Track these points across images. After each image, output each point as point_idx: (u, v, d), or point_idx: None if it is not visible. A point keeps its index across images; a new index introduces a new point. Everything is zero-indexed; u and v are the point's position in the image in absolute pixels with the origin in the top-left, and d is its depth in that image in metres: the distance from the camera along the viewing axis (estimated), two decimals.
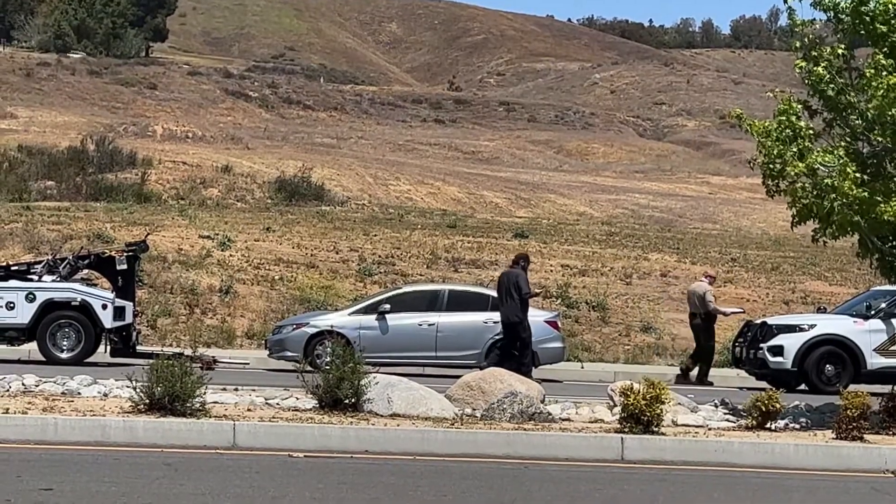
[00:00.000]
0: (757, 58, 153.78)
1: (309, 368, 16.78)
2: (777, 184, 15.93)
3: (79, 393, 15.55)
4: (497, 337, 24.08)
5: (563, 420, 15.41)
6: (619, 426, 14.51)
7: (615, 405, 15.38)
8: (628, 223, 49.25)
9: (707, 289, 25.98)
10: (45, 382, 16.06)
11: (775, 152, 15.66)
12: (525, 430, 14.38)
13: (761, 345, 24.62)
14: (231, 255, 34.00)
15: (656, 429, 14.26)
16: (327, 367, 15.29)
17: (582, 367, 27.12)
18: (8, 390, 15.59)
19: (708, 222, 52.35)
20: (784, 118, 15.78)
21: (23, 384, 15.94)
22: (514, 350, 22.52)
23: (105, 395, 15.48)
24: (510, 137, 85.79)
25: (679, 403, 16.14)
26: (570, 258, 37.47)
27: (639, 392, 14.30)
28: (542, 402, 15.90)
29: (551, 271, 35.54)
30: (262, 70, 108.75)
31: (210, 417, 13.92)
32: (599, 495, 11.61)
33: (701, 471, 13.38)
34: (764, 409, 15.18)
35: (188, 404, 13.89)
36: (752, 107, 71.56)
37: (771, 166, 15.77)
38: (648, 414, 14.17)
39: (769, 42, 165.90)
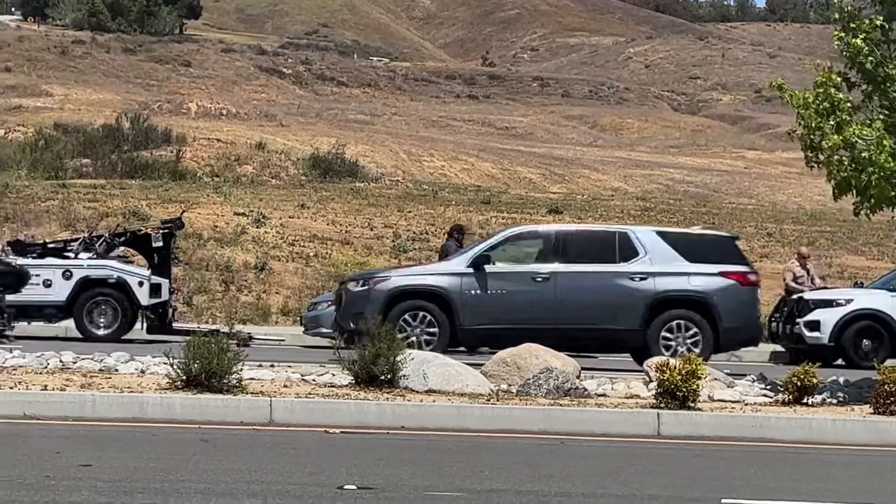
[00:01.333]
0: (792, 31, 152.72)
1: (344, 345, 16.83)
2: (816, 155, 15.85)
3: (116, 370, 15.63)
4: None
5: (599, 396, 15.40)
6: (655, 402, 14.49)
7: (651, 381, 15.36)
8: (663, 198, 49.09)
9: (786, 266, 26.78)
10: (82, 359, 16.14)
11: (813, 124, 15.57)
12: (561, 405, 14.37)
13: (798, 320, 24.55)
14: (266, 232, 34.10)
15: (692, 404, 14.22)
16: (363, 344, 15.31)
17: None
18: (46, 367, 15.69)
19: (743, 197, 52.13)
20: (822, 90, 15.68)
21: (61, 361, 16.03)
22: None
23: (142, 371, 15.56)
24: (544, 113, 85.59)
25: (715, 379, 16.11)
26: None
27: (675, 368, 14.28)
28: (578, 377, 15.89)
29: None
30: (296, 47, 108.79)
31: (247, 394, 13.97)
32: (636, 470, 11.59)
33: (738, 446, 13.34)
34: (801, 384, 15.12)
35: (225, 381, 13.93)
36: (787, 80, 70.68)
37: (810, 137, 15.69)
38: (684, 389, 14.14)
39: (805, 15, 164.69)
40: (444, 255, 23.57)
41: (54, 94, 64.83)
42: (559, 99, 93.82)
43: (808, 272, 26.64)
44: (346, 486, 9.82)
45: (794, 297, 25.51)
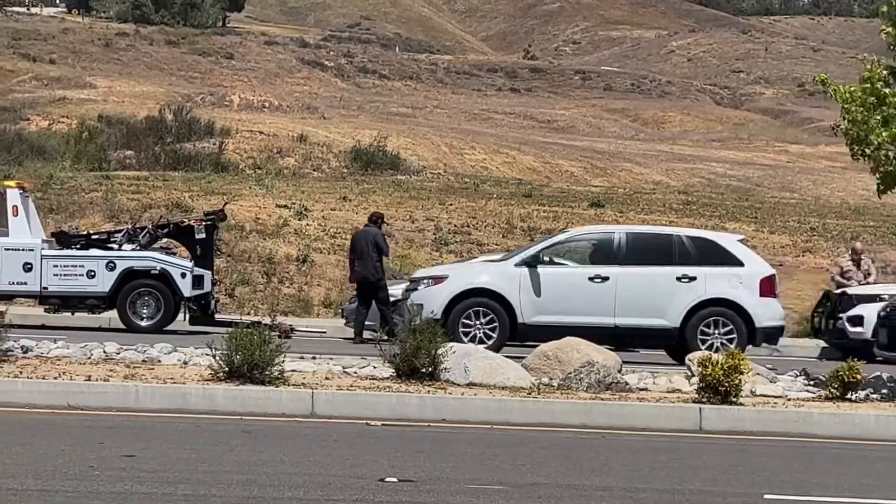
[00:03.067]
0: (836, 25, 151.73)
1: (386, 337, 16.86)
2: (863, 149, 15.77)
3: (159, 361, 15.71)
4: None
5: (641, 390, 15.36)
6: (697, 396, 14.44)
7: (693, 375, 15.31)
8: (705, 192, 48.89)
9: (835, 261, 26.75)
10: (125, 350, 16.23)
11: (859, 117, 15.49)
12: (602, 399, 14.35)
13: (840, 315, 24.38)
14: (308, 225, 34.19)
15: (735, 399, 14.16)
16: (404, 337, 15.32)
17: None
18: (90, 357, 15.78)
19: (786, 191, 51.85)
20: (869, 85, 15.60)
21: (104, 352, 16.13)
22: (379, 307, 23.07)
23: (185, 363, 15.63)
24: (586, 106, 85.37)
25: (758, 374, 16.03)
26: None
27: (717, 362, 14.22)
28: (619, 371, 15.85)
29: None
30: (338, 39, 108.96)
31: (288, 386, 14.01)
32: (678, 465, 11.55)
33: (780, 441, 13.28)
34: (844, 379, 15.04)
35: (267, 372, 13.98)
36: (831, 74, 70.39)
37: (856, 131, 15.61)
38: (727, 384, 14.08)
39: (849, 9, 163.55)
40: (366, 242, 23.58)
41: (98, 86, 65.12)
42: (601, 92, 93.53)
43: (858, 267, 26.31)
44: (387, 479, 9.84)
45: (838, 291, 25.33)
